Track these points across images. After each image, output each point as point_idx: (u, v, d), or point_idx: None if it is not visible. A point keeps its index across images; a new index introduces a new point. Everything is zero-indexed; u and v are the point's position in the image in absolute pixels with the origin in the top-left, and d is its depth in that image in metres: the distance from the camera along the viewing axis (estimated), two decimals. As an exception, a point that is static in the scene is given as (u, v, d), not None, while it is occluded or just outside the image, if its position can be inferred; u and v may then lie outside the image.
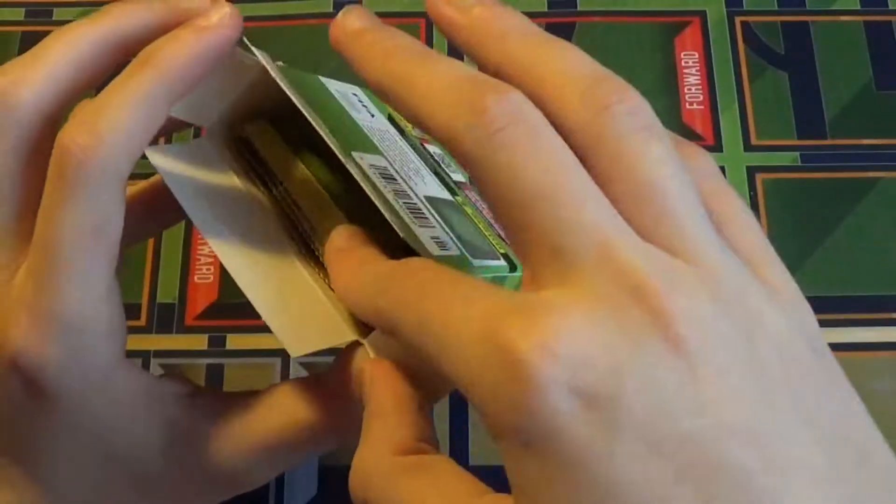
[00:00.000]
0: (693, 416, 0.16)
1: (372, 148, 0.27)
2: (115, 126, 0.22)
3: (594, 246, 0.17)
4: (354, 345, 0.24)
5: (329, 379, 0.25)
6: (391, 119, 0.31)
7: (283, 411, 0.25)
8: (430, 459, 0.20)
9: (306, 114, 0.24)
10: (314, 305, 0.25)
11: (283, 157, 0.27)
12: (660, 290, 0.17)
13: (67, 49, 0.23)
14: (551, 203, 0.18)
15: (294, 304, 0.25)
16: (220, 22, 0.23)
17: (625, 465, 0.16)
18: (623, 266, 0.17)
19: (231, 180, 0.27)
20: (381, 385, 0.22)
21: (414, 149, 0.30)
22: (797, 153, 0.41)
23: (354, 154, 0.25)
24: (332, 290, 0.24)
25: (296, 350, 0.23)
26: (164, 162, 0.25)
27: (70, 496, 0.25)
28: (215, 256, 0.39)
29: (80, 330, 0.23)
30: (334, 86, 0.29)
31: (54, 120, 0.23)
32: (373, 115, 0.30)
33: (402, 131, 0.31)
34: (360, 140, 0.27)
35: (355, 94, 0.30)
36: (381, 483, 0.20)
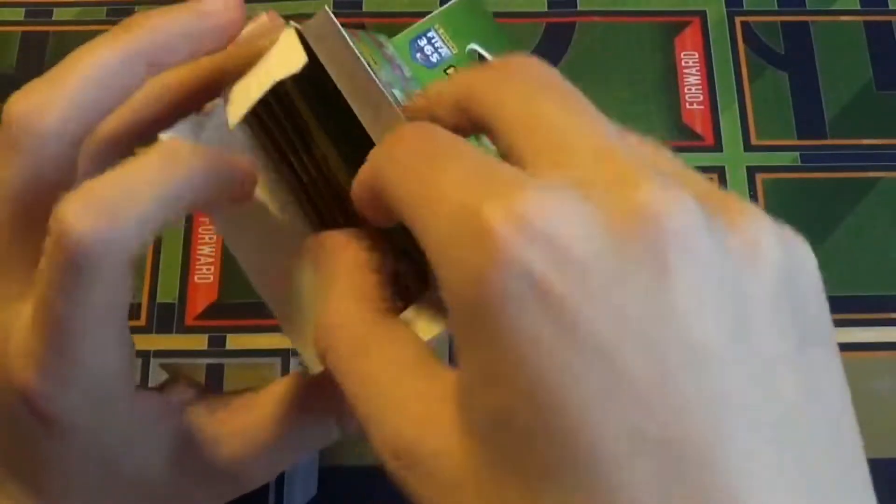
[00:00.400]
0: (655, 325, 0.15)
1: None
2: (134, 216, 0.20)
3: (595, 146, 0.17)
4: None
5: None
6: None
7: (284, 406, 0.25)
8: (392, 320, 0.20)
9: (359, 115, 0.22)
10: None
11: (313, 118, 0.25)
12: (657, 198, 0.16)
13: (90, 70, 0.22)
14: (558, 112, 0.18)
15: (310, 310, 0.24)
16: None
17: (561, 368, 0.15)
18: (623, 166, 0.17)
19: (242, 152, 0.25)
20: (342, 249, 0.22)
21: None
22: (797, 153, 0.41)
23: None
24: None
25: (316, 366, 0.23)
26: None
27: None
28: (215, 256, 0.39)
29: (90, 380, 0.22)
30: None
31: (77, 142, 0.23)
32: None
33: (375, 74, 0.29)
34: None
35: None
36: (347, 334, 0.20)
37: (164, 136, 0.23)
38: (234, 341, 0.38)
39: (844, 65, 0.42)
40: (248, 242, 0.24)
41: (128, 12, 0.44)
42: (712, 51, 0.43)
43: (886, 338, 0.37)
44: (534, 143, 0.18)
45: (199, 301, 0.38)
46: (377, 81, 0.22)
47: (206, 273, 0.39)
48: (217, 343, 0.37)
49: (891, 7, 0.44)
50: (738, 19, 0.44)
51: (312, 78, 0.23)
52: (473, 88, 0.20)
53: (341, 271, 0.21)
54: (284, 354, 0.37)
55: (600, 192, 0.16)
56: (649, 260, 0.16)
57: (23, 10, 0.44)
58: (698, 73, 0.42)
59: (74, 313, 0.21)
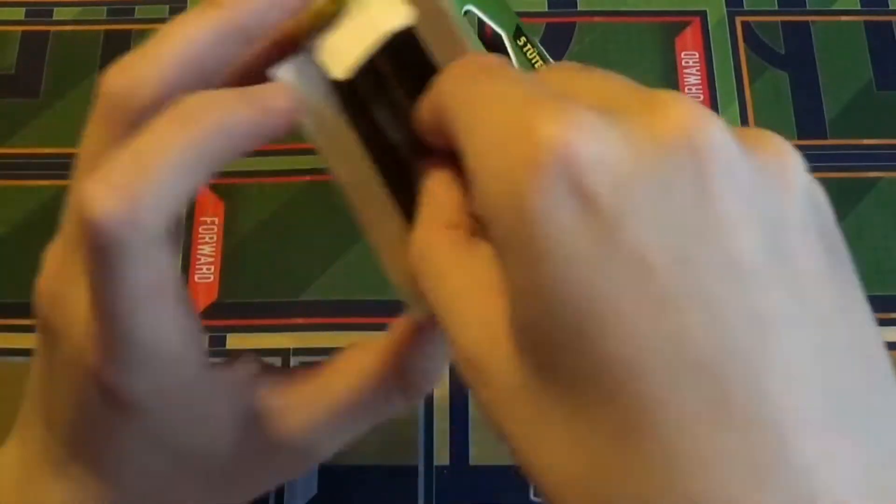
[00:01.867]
0: (695, 240, 0.16)
1: None
2: (153, 192, 0.20)
3: (608, 88, 0.18)
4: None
5: (391, 338, 0.26)
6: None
7: (348, 376, 0.26)
8: (471, 242, 0.20)
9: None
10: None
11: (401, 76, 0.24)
12: (690, 116, 0.17)
13: (182, 46, 0.22)
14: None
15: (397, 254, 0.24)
16: (281, 105, 0.22)
17: (599, 278, 0.16)
18: (646, 94, 0.17)
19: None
20: (434, 176, 0.22)
21: None
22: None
23: None
24: None
25: (416, 309, 0.23)
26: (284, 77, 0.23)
27: (134, 491, 0.25)
28: (215, 256, 0.39)
29: (155, 361, 0.22)
30: None
31: None
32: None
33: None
34: None
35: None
36: (429, 253, 0.20)
37: (276, 74, 0.23)
38: (234, 341, 0.37)
39: (844, 65, 0.42)
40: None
41: (128, 12, 0.44)
42: (712, 51, 0.43)
43: (886, 338, 0.37)
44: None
45: (199, 301, 0.38)
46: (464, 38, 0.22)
47: (206, 273, 0.39)
48: (217, 343, 0.37)
49: (891, 7, 0.44)
50: (738, 19, 0.44)
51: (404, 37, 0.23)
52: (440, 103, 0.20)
53: (427, 198, 0.22)
54: (285, 354, 0.37)
55: (634, 116, 0.17)
56: (690, 175, 0.16)
57: (23, 10, 0.44)
58: (698, 73, 0.42)
59: (118, 295, 0.21)
